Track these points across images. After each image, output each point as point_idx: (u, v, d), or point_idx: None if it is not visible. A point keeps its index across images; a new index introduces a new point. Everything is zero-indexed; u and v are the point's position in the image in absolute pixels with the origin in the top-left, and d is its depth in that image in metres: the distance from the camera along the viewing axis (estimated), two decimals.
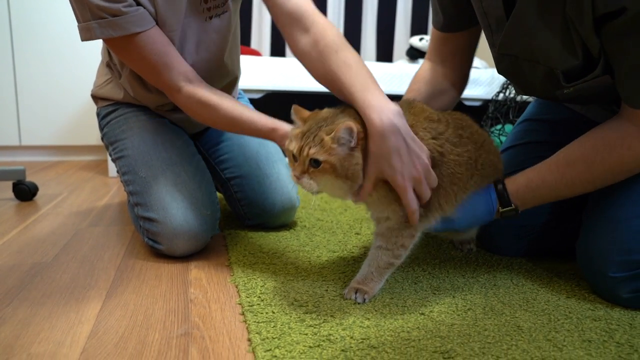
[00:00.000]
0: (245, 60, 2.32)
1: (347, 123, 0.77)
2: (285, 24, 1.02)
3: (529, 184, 0.93)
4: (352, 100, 0.85)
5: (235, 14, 1.21)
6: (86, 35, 0.99)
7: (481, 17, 0.97)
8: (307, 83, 2.37)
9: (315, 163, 0.79)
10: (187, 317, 0.82)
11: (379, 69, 2.60)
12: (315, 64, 0.96)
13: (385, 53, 3.32)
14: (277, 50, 3.15)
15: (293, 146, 0.81)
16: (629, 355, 0.73)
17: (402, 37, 3.30)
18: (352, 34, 3.23)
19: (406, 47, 3.15)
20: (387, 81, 2.58)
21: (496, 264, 1.11)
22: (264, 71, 2.38)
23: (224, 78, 1.29)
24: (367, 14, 3.22)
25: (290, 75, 2.41)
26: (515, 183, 0.94)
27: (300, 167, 0.80)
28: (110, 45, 1.03)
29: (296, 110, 0.86)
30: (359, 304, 0.87)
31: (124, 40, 0.98)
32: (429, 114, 0.90)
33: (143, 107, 1.29)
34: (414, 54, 3.02)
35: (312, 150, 0.78)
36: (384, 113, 0.79)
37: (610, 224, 0.90)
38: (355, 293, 0.89)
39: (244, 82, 2.00)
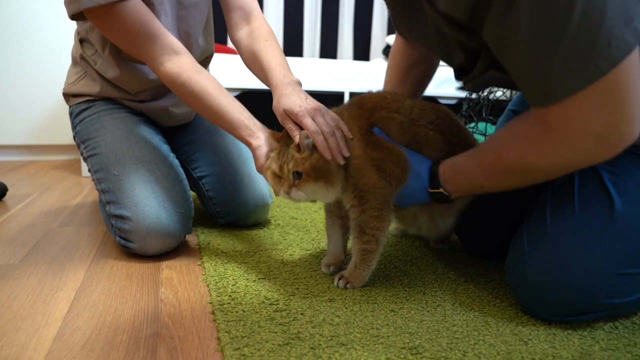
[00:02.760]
0: (221, 59, 2.31)
1: (302, 132, 0.87)
2: (233, 15, 1.24)
3: (454, 167, 0.88)
4: (267, 72, 1.05)
5: None
6: (73, 7, 0.99)
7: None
8: None
9: (297, 175, 0.87)
10: (156, 317, 0.81)
11: (356, 68, 2.61)
12: (246, 47, 1.18)
13: (362, 52, 3.33)
14: None
15: (274, 166, 0.90)
16: (591, 347, 0.75)
17: (379, 36, 3.32)
18: (329, 32, 3.23)
19: (383, 46, 3.17)
20: (364, 80, 2.59)
21: (467, 260, 1.13)
22: (240, 70, 2.36)
23: (202, 54, 1.31)
24: (343, 12, 3.23)
25: None
26: (445, 164, 0.90)
27: (286, 183, 0.88)
28: (94, 16, 1.02)
29: (272, 135, 0.95)
30: (345, 289, 0.94)
31: (108, 9, 0.98)
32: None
33: (118, 105, 1.28)
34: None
35: (290, 165, 0.87)
36: (287, 77, 1.00)
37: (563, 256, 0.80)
38: (339, 279, 0.95)
39: (219, 81, 1.98)
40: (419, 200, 0.95)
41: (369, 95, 0.99)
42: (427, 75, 1.19)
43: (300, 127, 0.90)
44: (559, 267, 0.79)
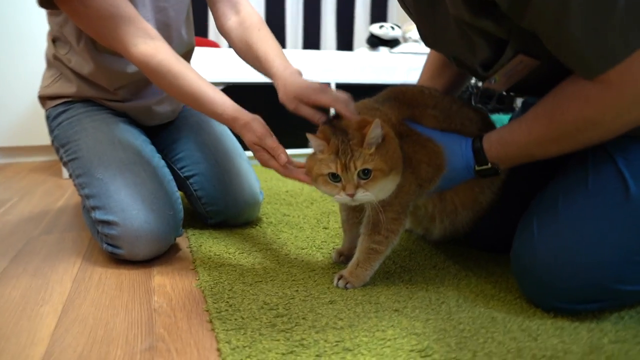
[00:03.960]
0: (203, 52, 2.24)
1: (374, 122, 0.78)
2: (220, 5, 1.21)
3: (500, 140, 0.87)
4: (266, 64, 1.04)
5: None
6: None
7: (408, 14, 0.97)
8: None
9: (364, 174, 0.80)
10: (151, 328, 0.77)
11: (341, 58, 2.57)
12: (238, 37, 1.16)
13: (345, 41, 3.28)
14: None
15: (334, 167, 0.80)
16: (600, 340, 0.73)
17: (362, 25, 3.28)
18: (312, 22, 3.18)
19: (366, 35, 3.13)
20: (350, 70, 2.55)
21: (466, 253, 1.11)
22: (223, 63, 2.31)
23: (182, 47, 1.27)
24: (326, 2, 3.17)
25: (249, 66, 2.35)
26: (488, 139, 0.88)
27: (351, 184, 0.80)
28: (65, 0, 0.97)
29: (316, 136, 0.83)
30: (345, 289, 0.90)
31: None
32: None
33: (98, 106, 1.22)
34: (374, 41, 3.01)
35: (358, 162, 0.79)
36: (288, 68, 1.00)
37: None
38: (338, 280, 0.91)
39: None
40: (464, 179, 0.93)
41: (405, 88, 0.96)
42: (462, 75, 1.17)
43: (320, 109, 0.88)
44: (570, 251, 0.77)
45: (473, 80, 2.15)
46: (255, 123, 0.92)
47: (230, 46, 1.20)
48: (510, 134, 0.86)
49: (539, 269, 0.80)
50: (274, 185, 1.81)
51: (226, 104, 0.96)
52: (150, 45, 0.99)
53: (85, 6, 0.96)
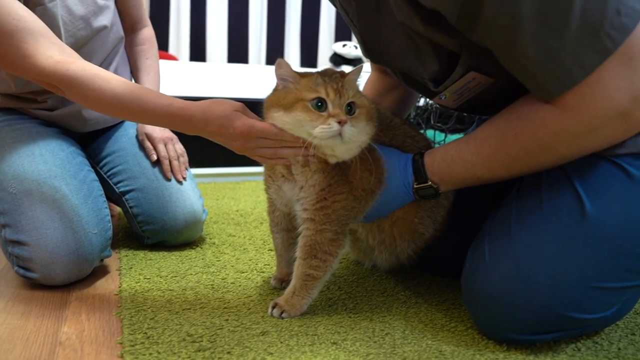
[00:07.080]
0: (162, 66, 2.16)
1: (358, 66, 0.78)
2: (124, 17, 1.27)
3: (445, 157, 0.80)
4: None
5: None
6: None
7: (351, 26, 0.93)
8: (230, 89, 2.24)
9: (350, 109, 0.74)
10: None
11: None
12: (131, 54, 1.31)
13: (309, 59, 3.25)
14: (198, 55, 2.99)
15: (323, 91, 0.72)
16: None
17: (326, 44, 3.25)
18: (276, 39, 3.13)
19: (330, 53, 3.11)
20: None
21: (419, 278, 1.04)
22: (182, 77, 2.22)
23: (114, 39, 1.20)
24: (290, 19, 3.14)
25: (210, 80, 2.28)
26: (431, 155, 0.81)
27: (342, 113, 0.72)
28: None
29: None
30: (281, 318, 0.82)
31: None
32: None
33: (21, 116, 1.11)
34: (337, 60, 2.99)
35: (350, 92, 0.74)
36: None
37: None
38: (273, 308, 0.83)
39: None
40: (402, 201, 0.85)
41: None
42: (404, 101, 1.13)
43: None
44: (524, 276, 0.70)
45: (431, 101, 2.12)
46: (243, 107, 0.78)
47: None
48: (457, 152, 0.79)
49: (490, 297, 0.73)
50: (224, 204, 1.71)
51: (176, 100, 0.81)
52: (68, 56, 0.87)
53: None
